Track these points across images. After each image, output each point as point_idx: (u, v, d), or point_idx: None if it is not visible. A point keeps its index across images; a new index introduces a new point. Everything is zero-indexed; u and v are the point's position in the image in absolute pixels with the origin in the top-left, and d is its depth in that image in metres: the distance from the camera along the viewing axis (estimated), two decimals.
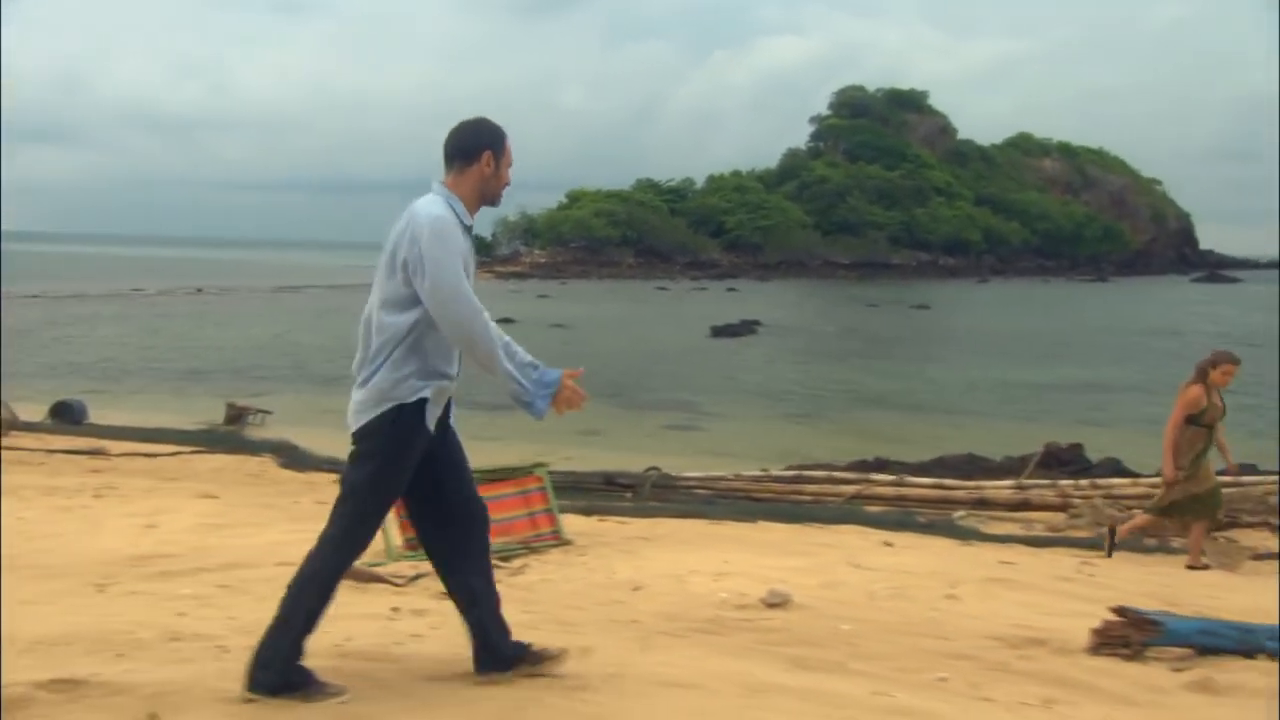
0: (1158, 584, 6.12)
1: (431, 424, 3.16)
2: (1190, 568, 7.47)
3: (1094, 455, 13.67)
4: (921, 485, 11.01)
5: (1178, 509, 7.69)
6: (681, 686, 3.29)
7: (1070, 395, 22.51)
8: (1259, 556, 7.99)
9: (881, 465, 12.94)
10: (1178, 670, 4.16)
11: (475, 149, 3.27)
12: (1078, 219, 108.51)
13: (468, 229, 3.26)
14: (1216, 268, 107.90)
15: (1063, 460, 12.98)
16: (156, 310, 41.48)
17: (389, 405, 3.10)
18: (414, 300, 3.12)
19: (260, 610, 3.88)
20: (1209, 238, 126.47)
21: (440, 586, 4.41)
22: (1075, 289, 77.22)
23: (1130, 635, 4.34)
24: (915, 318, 45.56)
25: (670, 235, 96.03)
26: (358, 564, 4.90)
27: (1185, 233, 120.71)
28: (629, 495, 11.10)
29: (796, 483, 11.31)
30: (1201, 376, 7.61)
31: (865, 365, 27.47)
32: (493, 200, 3.36)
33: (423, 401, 3.13)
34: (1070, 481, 10.73)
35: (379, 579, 4.71)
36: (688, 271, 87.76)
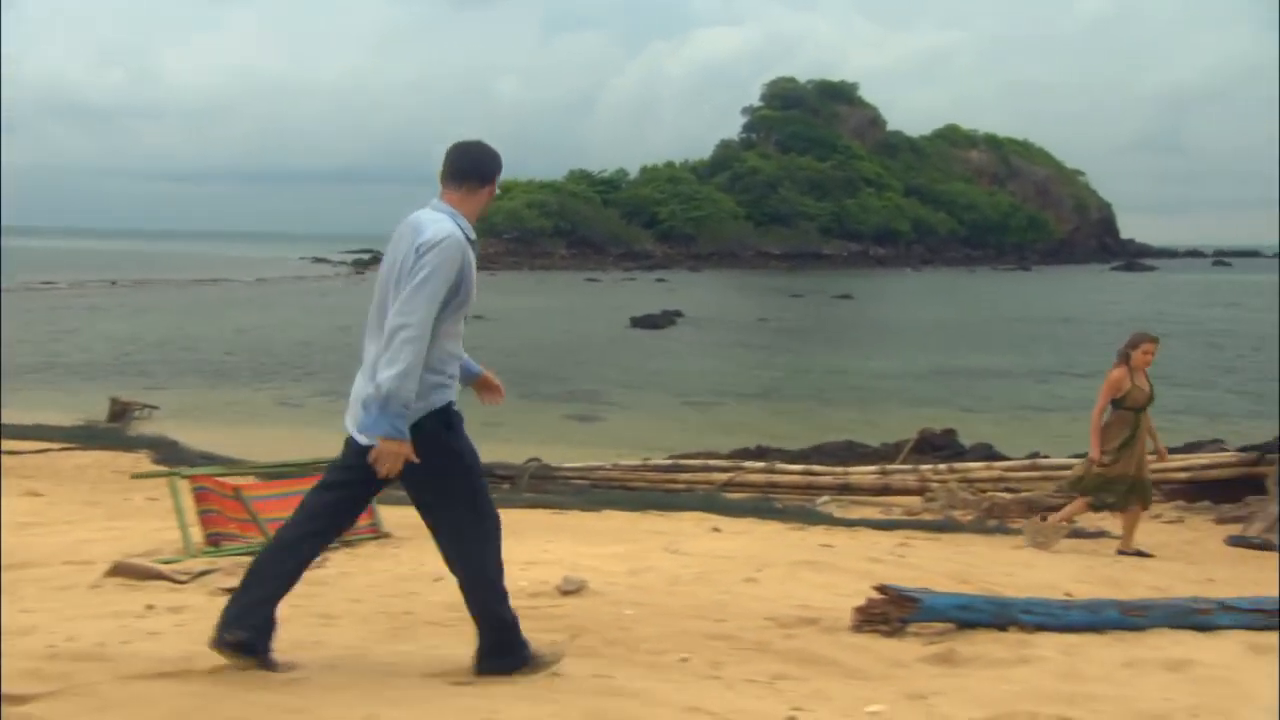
0: (963, 563, 6.31)
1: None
2: (1121, 553, 7.55)
3: (975, 440, 14.05)
4: (791, 472, 11.22)
5: (1109, 492, 7.63)
6: (394, 676, 3.33)
7: (967, 381, 23.03)
8: (1076, 534, 8.27)
9: (761, 453, 13.15)
10: (929, 644, 4.30)
11: (490, 174, 3.43)
12: (1003, 209, 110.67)
13: (473, 242, 3.35)
14: (1136, 256, 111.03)
15: (936, 445, 13.32)
16: (64, 304, 40.41)
17: (429, 411, 3.24)
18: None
19: (13, 614, 3.85)
20: (1131, 228, 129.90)
21: (219, 584, 4.39)
22: (999, 278, 78.78)
23: (890, 612, 4.48)
24: (836, 308, 46.17)
25: (603, 226, 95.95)
26: (138, 560, 4.88)
27: (1107, 222, 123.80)
28: (506, 486, 11.12)
29: (672, 471, 11.44)
30: (1124, 359, 7.56)
31: (772, 356, 27.78)
32: (481, 218, 3.50)
33: (450, 403, 3.32)
34: (930, 466, 10.99)
35: (160, 576, 4.68)
36: (621, 263, 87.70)
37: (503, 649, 3.44)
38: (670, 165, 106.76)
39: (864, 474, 10.96)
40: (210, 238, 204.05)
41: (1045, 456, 11.74)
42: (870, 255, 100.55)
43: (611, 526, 7.13)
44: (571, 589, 4.88)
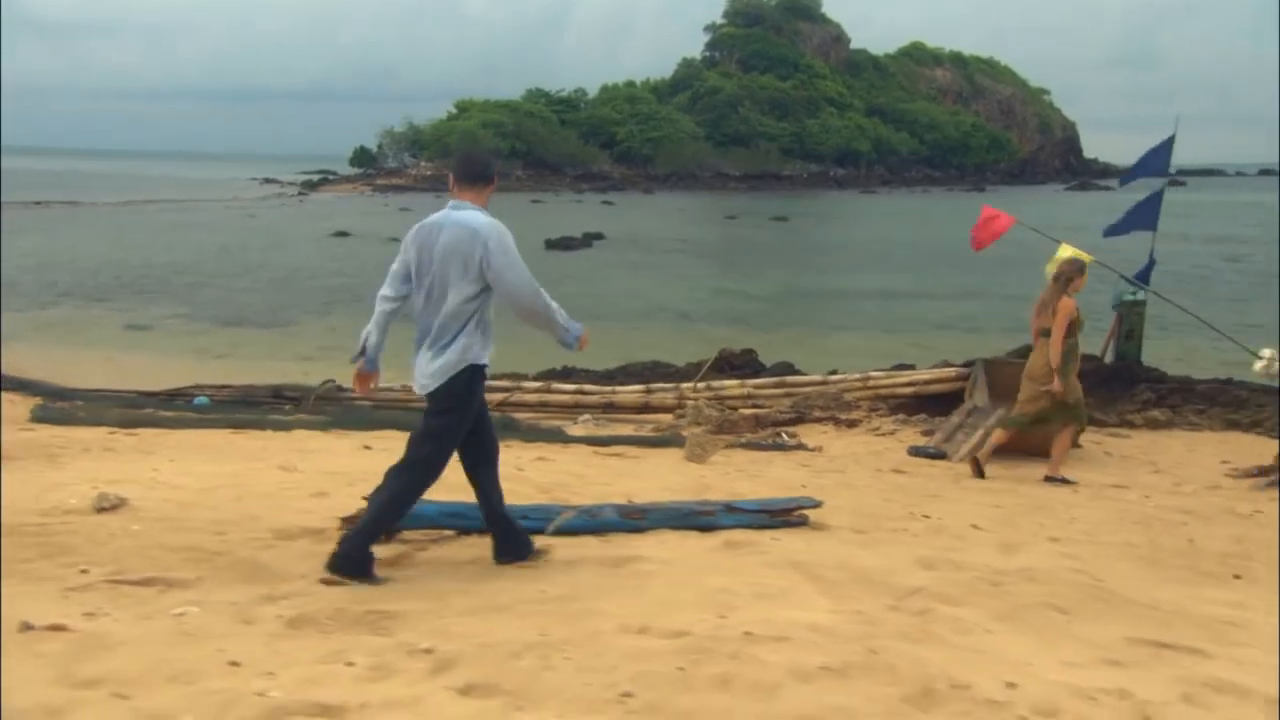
0: (576, 474, 6.76)
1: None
2: (1049, 479, 7.79)
3: (778, 359, 14.43)
4: (564, 391, 11.61)
5: (1048, 418, 7.88)
6: None
7: (844, 302, 23.45)
8: (735, 446, 8.73)
9: (567, 374, 13.54)
10: (413, 548, 4.75)
11: (492, 174, 4.52)
12: (965, 129, 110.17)
13: None
14: (1099, 176, 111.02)
15: (734, 364, 13.68)
16: None
17: (465, 366, 4.23)
18: (478, 291, 4.25)
19: None
20: (1103, 146, 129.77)
21: None
22: (952, 199, 78.85)
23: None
24: (765, 230, 46.32)
25: (560, 147, 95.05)
26: None
27: (1071, 142, 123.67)
28: (288, 408, 11.47)
29: None
30: (1066, 287, 7.72)
31: (668, 278, 28.04)
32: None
33: (485, 365, 4.32)
34: (690, 385, 11.40)
35: None
36: (577, 184, 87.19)
37: (354, 553, 4.31)
38: (631, 84, 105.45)
39: (629, 393, 11.37)
40: (173, 158, 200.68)
41: (799, 373, 12.19)
42: (830, 176, 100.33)
43: (254, 446, 7.48)
44: (107, 506, 5.24)
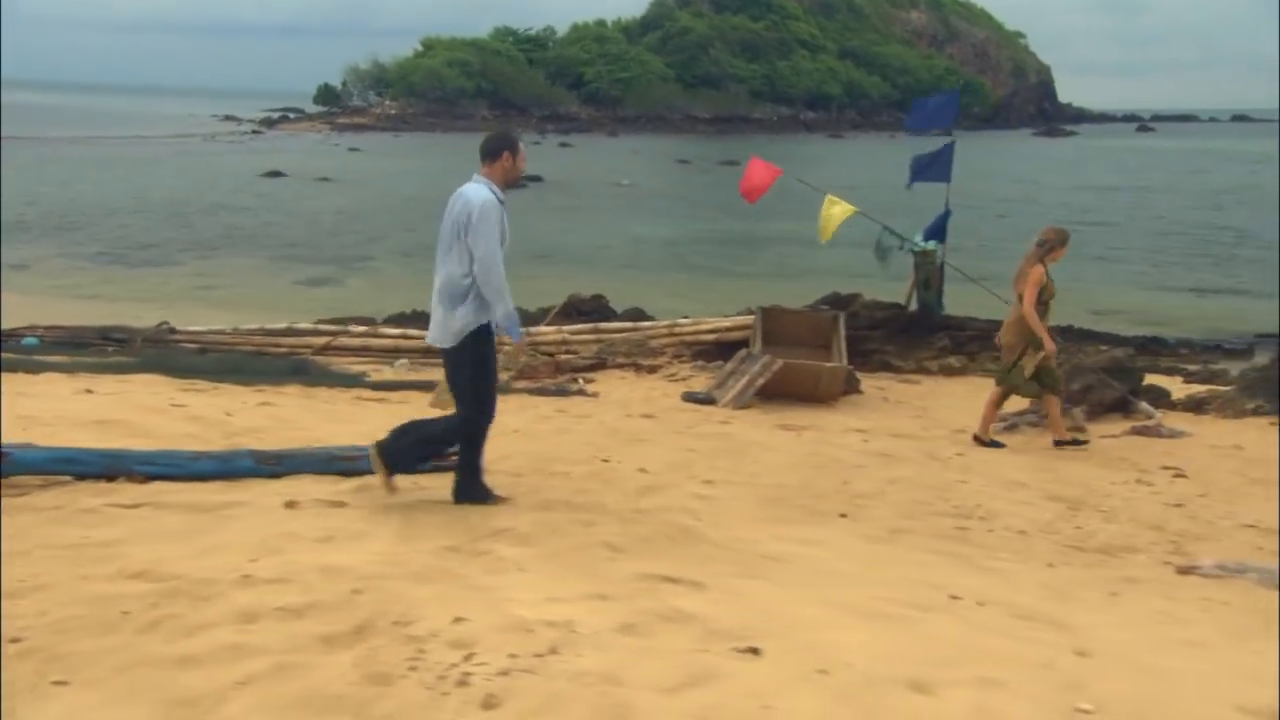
0: (280, 419, 6.98)
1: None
2: (1059, 443, 7.74)
3: (631, 305, 14.64)
4: (388, 335, 11.82)
5: (1026, 386, 7.78)
6: None
7: (748, 249, 23.61)
8: (525, 392, 9.00)
9: (417, 317, 13.74)
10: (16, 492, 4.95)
11: (500, 150, 4.90)
12: (937, 73, 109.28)
13: (501, 201, 4.86)
14: (1073, 122, 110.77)
15: (583, 310, 13.90)
16: None
17: (475, 327, 4.82)
18: (473, 258, 4.75)
19: None
20: (1083, 91, 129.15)
21: None
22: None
23: None
24: (714, 174, 46.19)
25: (527, 87, 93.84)
26: None
27: (1045, 87, 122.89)
28: (111, 349, 11.64)
29: (284, 335, 12.00)
30: (1042, 257, 7.60)
31: (581, 223, 28.11)
32: (514, 182, 5.05)
33: (489, 323, 4.87)
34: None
35: None
36: (544, 125, 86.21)
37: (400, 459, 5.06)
38: (601, 24, 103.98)
39: None
40: (145, 93, 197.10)
41: (649, 319, 12.41)
42: (800, 120, 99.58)
43: (59, 390, 7.63)
44: None
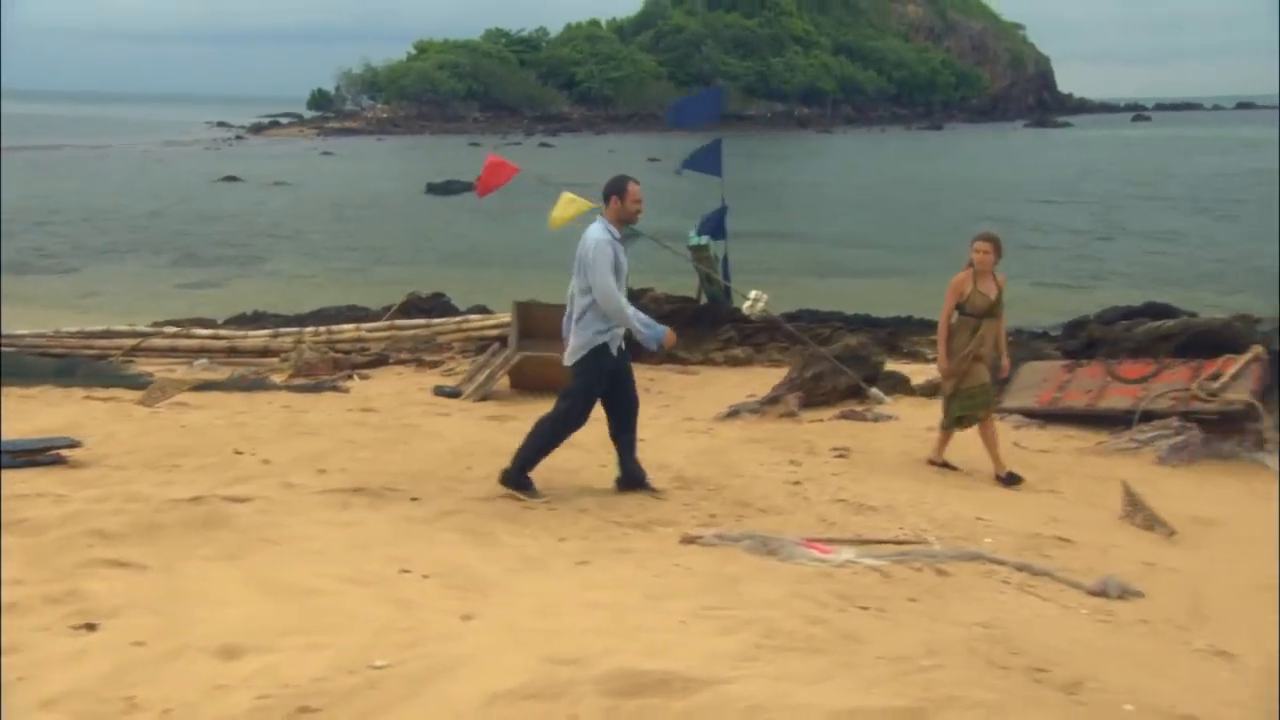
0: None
1: (614, 351, 5.74)
2: (999, 477, 6.79)
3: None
4: (199, 336, 12.00)
5: (968, 406, 6.92)
6: None
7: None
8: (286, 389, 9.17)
9: (257, 318, 13.94)
10: None
11: (608, 195, 5.76)
12: (933, 65, 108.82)
13: (618, 239, 5.70)
14: (1075, 112, 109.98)
15: (423, 307, 14.02)
16: None
17: (590, 347, 5.65)
18: (589, 287, 5.57)
19: None
20: (1090, 80, 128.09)
21: None
22: (906, 138, 78.33)
23: None
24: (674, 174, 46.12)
25: (519, 88, 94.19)
26: None
27: (1044, 77, 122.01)
28: None
29: (99, 338, 12.20)
30: (969, 261, 6.90)
31: (516, 225, 28.17)
32: (630, 221, 5.80)
33: (605, 344, 5.67)
34: (312, 329, 11.78)
35: None
36: (535, 126, 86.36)
37: (515, 472, 5.79)
38: (595, 24, 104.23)
39: (255, 337, 11.76)
40: (154, 101, 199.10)
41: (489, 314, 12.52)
42: (795, 116, 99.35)
43: None
44: None
